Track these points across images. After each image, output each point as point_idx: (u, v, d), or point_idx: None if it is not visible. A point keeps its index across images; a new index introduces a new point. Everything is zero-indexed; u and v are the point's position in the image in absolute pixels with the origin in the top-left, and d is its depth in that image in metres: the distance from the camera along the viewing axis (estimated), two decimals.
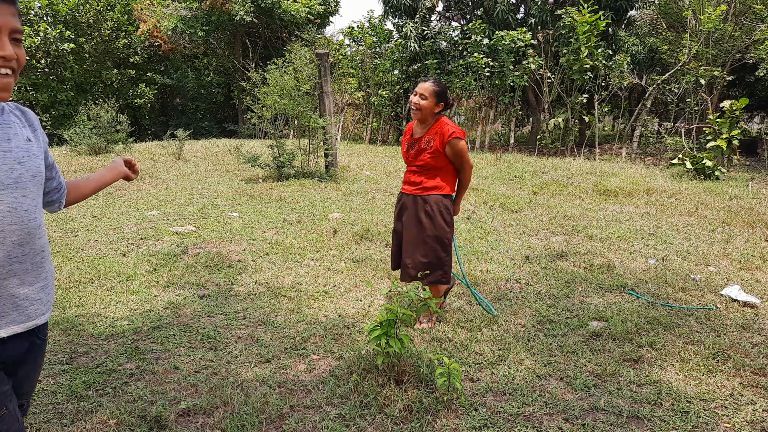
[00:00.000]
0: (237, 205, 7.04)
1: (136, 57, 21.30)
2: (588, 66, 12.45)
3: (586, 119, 12.98)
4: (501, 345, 3.20)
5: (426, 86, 3.24)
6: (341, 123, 17.96)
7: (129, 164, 1.83)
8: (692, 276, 4.43)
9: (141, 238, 5.36)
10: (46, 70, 19.17)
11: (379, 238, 5.53)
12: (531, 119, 17.90)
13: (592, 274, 4.49)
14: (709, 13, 11.75)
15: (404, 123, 18.15)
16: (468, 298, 3.99)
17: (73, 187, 1.67)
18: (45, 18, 19.16)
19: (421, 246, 3.32)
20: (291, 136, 11.93)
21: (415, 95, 3.25)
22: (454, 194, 3.44)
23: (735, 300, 3.86)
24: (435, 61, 14.86)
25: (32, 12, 18.90)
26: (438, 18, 17.45)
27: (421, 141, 3.32)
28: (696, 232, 5.89)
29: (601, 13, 12.53)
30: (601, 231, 5.89)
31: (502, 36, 13.33)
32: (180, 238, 5.40)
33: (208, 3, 19.00)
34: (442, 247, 3.34)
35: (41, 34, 17.77)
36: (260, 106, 9.20)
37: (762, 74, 11.64)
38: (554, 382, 2.79)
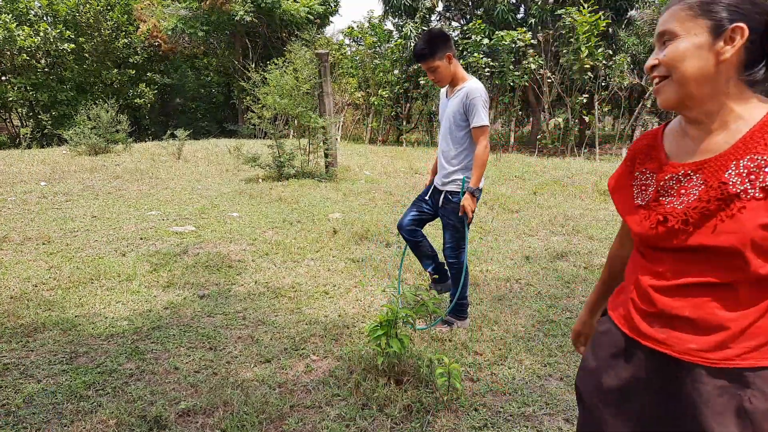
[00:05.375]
0: (237, 205, 7.03)
1: (136, 57, 21.30)
2: (588, 66, 12.45)
3: (586, 119, 12.98)
4: (501, 345, 3.20)
5: None
6: (341, 123, 17.94)
7: None
8: None
9: (141, 238, 5.37)
10: (46, 70, 19.16)
11: (379, 238, 5.53)
12: (531, 119, 17.90)
13: (592, 274, 4.49)
14: None
15: (404, 123, 18.04)
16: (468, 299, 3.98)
17: None
18: (45, 18, 19.16)
19: None
20: (291, 136, 11.92)
21: None
22: None
23: None
24: None
25: (32, 12, 18.89)
26: (438, 18, 17.45)
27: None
28: None
29: (601, 13, 12.53)
30: (601, 231, 5.88)
31: (502, 36, 13.33)
32: (180, 238, 5.40)
33: (208, 3, 19.00)
34: None
35: (41, 34, 17.75)
36: (260, 106, 9.20)
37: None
38: (554, 382, 2.79)
